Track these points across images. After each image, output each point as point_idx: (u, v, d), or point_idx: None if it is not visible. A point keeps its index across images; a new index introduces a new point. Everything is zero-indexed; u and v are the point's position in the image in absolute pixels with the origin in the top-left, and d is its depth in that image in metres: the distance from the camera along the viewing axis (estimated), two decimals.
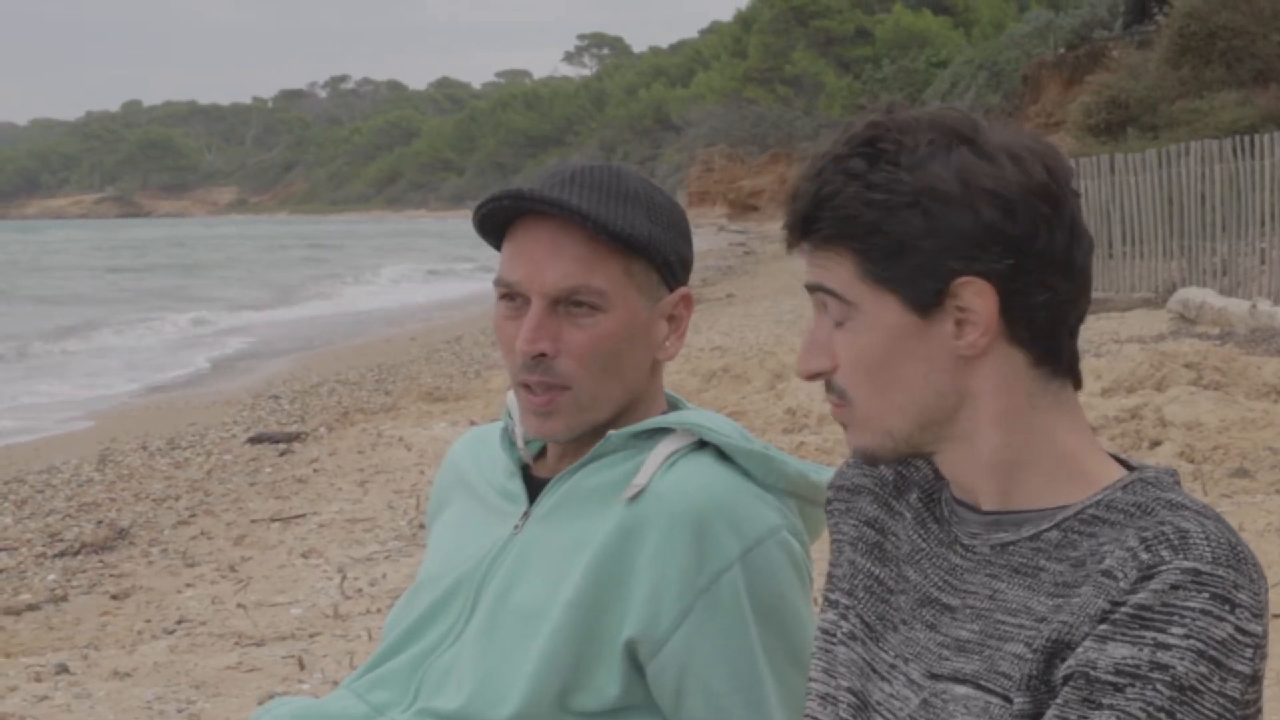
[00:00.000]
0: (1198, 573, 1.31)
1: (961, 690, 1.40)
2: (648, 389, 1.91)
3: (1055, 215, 1.41)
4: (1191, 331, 12.18)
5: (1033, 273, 1.41)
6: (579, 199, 1.81)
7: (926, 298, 1.42)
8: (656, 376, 1.92)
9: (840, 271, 1.45)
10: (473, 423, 9.80)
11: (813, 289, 1.48)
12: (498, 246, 1.89)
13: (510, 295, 1.85)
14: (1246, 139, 15.81)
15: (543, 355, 1.82)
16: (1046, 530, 1.42)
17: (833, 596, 1.58)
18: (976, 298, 1.41)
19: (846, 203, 1.42)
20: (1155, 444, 7.30)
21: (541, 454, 1.97)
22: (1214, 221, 16.09)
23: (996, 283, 1.40)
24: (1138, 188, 17.23)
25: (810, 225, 1.46)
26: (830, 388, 1.48)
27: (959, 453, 1.46)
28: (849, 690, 1.51)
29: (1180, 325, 12.70)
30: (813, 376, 1.49)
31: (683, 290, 1.90)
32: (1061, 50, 31.84)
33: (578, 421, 1.85)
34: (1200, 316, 12.72)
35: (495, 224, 1.87)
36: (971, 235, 1.40)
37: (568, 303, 1.82)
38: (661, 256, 1.86)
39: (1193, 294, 13.43)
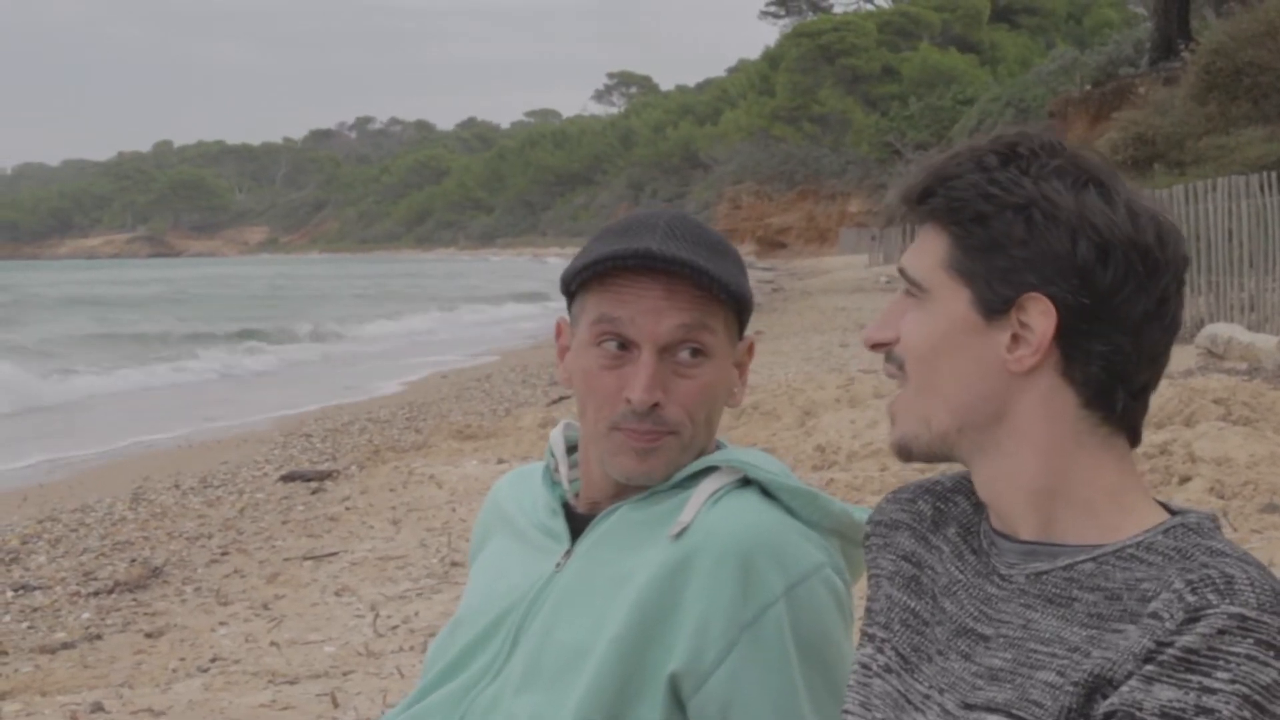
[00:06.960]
0: (1244, 618, 1.32)
1: (994, 719, 1.42)
2: None
3: (1147, 280, 1.44)
4: (1219, 367, 12.14)
5: (1102, 321, 1.43)
6: (691, 254, 1.85)
7: (996, 302, 1.46)
8: None
9: (931, 253, 1.51)
10: (501, 460, 9.84)
11: (900, 272, 1.55)
12: (566, 293, 1.93)
13: (615, 342, 1.86)
14: (1273, 175, 15.80)
15: (656, 405, 1.85)
16: (1081, 562, 1.44)
17: (869, 630, 1.60)
18: (1039, 316, 1.44)
19: (963, 187, 1.48)
20: (1185, 480, 7.28)
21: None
22: (1241, 257, 16.07)
23: (1061, 310, 1.43)
24: None
25: (922, 198, 1.51)
26: (890, 358, 1.55)
27: (997, 469, 1.49)
28: None
29: (1208, 361, 12.65)
30: (876, 346, 1.56)
31: (750, 338, 1.96)
32: (1088, 87, 31.85)
33: (675, 463, 1.88)
34: (1228, 352, 12.68)
35: (589, 275, 1.88)
36: (1060, 260, 1.43)
37: (675, 352, 1.85)
38: (749, 308, 1.92)
39: (1220, 329, 13.38)
